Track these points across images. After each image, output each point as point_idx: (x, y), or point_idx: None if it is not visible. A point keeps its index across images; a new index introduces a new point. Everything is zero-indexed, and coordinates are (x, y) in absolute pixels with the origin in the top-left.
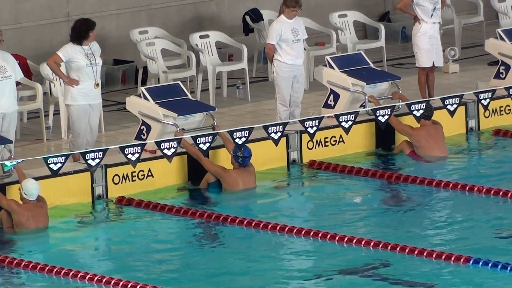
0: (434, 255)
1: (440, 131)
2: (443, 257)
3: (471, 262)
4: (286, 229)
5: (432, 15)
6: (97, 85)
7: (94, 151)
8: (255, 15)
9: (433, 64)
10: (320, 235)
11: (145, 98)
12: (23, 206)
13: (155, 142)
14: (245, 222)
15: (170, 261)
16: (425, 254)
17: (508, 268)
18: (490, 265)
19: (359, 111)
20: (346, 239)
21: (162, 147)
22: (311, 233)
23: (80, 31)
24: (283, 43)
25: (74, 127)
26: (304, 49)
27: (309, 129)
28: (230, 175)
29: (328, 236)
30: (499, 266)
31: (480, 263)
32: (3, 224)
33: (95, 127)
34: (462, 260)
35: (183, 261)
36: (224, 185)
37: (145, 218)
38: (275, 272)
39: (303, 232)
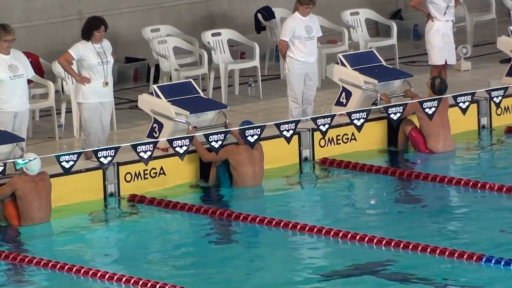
0: (446, 253)
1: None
2: (456, 255)
3: (483, 260)
4: (298, 227)
5: (445, 13)
6: (106, 83)
7: (106, 149)
8: (267, 13)
9: (446, 62)
10: (332, 233)
11: (157, 96)
12: (24, 177)
13: (167, 140)
14: (257, 220)
15: (182, 258)
16: (437, 252)
17: None
18: (502, 263)
19: (371, 109)
20: (358, 237)
21: (174, 145)
22: (323, 231)
23: (86, 30)
24: (296, 40)
25: (85, 125)
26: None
27: (321, 127)
28: (237, 151)
29: (340, 234)
30: None
31: (493, 261)
32: (7, 217)
33: (106, 125)
34: (474, 258)
35: (194, 259)
36: (232, 163)
37: (157, 216)
38: (286, 269)
39: (315, 230)
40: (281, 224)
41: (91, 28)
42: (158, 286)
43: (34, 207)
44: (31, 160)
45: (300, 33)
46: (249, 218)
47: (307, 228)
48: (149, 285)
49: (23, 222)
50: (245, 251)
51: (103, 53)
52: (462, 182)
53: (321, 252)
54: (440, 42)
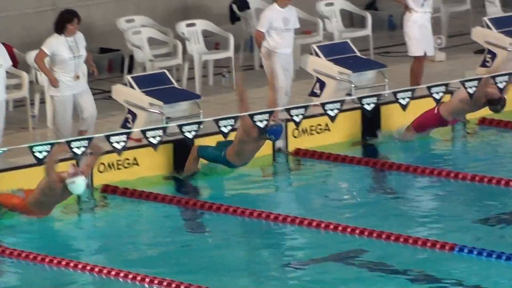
0: (419, 243)
1: None
2: (428, 244)
3: (456, 250)
4: (272, 216)
5: (423, 4)
6: (77, 77)
7: (79, 140)
8: (242, 3)
9: (424, 53)
10: (305, 222)
11: (131, 86)
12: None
13: (140, 130)
14: (230, 210)
15: (155, 248)
16: (410, 241)
17: (494, 256)
18: (475, 253)
19: (345, 99)
20: (332, 226)
21: (147, 136)
22: (297, 221)
23: (59, 23)
24: (273, 31)
25: (57, 118)
26: None
27: (295, 118)
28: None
29: (314, 224)
30: (484, 254)
31: (465, 251)
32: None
33: (89, 110)
34: (447, 247)
35: (168, 249)
36: (244, 137)
37: (130, 206)
38: (260, 259)
39: (288, 219)
40: (254, 214)
41: (64, 21)
42: (130, 276)
43: (53, 204)
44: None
45: (277, 24)
46: (223, 208)
47: (280, 218)
48: (121, 274)
49: (30, 212)
50: (219, 242)
51: (75, 47)
52: (436, 172)
53: (296, 242)
54: (418, 33)
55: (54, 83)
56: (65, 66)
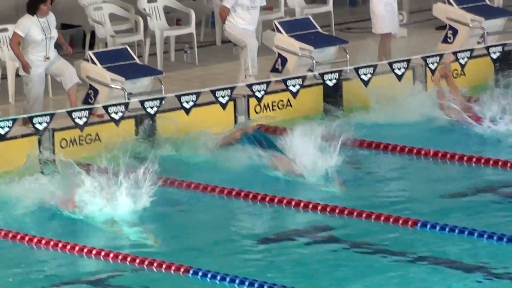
0: (382, 218)
1: None
2: (391, 220)
3: (419, 225)
4: (234, 192)
5: None
6: (47, 58)
7: (41, 115)
8: None
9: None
10: (267, 198)
11: (93, 62)
12: None
13: (102, 106)
14: (192, 186)
15: (119, 225)
16: (373, 217)
17: (456, 231)
18: (438, 228)
19: (306, 75)
20: (285, 201)
21: (109, 111)
22: (259, 197)
23: (32, 4)
24: (239, 7)
25: (29, 95)
26: None
27: (256, 93)
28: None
29: (276, 200)
30: (447, 229)
31: (428, 226)
32: None
33: (64, 69)
34: (410, 223)
35: (132, 226)
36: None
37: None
38: (222, 235)
39: (250, 196)
40: (217, 190)
41: (38, 1)
42: (85, 249)
43: None
44: None
45: (243, 2)
46: (184, 185)
47: (242, 194)
48: (76, 248)
49: None
50: (181, 218)
51: (47, 28)
52: (398, 148)
53: (261, 218)
54: (383, 10)
55: (26, 69)
56: (37, 46)
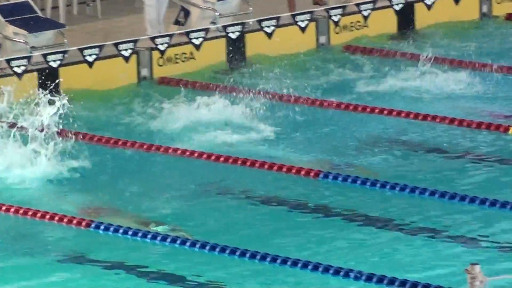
0: (284, 169)
1: None
2: (293, 171)
3: (320, 176)
4: (145, 146)
5: None
6: None
7: None
8: None
9: None
10: (187, 153)
11: None
12: None
13: (5, 59)
14: (103, 140)
15: (64, 185)
16: (275, 168)
17: (358, 182)
18: (340, 179)
19: (209, 27)
20: (222, 158)
21: (12, 65)
22: (178, 152)
23: None
24: None
25: None
26: None
27: (159, 46)
28: None
29: (196, 154)
30: (349, 180)
31: (330, 177)
32: None
33: None
34: (312, 174)
35: (75, 185)
36: None
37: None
38: (145, 190)
39: (169, 150)
40: (127, 144)
41: None
42: (39, 214)
43: None
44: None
45: None
46: (87, 137)
47: (161, 149)
48: (29, 212)
49: None
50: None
51: None
52: (301, 100)
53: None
54: None
55: None
56: None
